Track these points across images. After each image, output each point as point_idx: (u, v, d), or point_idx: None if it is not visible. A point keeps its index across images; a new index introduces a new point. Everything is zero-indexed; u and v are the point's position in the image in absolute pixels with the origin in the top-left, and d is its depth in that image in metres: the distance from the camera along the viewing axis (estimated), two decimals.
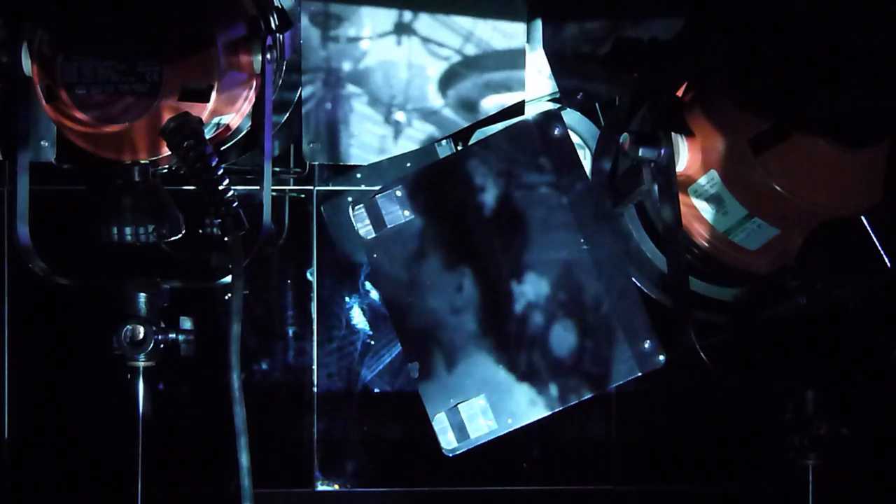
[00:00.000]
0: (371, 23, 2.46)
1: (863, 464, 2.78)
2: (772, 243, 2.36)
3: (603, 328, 2.40)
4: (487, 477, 2.94)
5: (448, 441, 2.39)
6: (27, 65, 2.23)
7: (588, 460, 2.99)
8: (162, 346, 2.33)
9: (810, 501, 2.38)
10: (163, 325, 2.34)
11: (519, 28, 2.49)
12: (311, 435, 2.95)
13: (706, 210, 2.38)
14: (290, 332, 2.96)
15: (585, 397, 2.41)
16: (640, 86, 2.43)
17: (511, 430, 2.41)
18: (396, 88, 2.48)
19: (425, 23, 2.47)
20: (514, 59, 2.49)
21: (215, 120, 2.29)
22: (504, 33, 2.48)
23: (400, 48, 2.47)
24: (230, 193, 2.21)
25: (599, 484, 2.99)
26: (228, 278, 2.29)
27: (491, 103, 2.49)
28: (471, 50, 2.48)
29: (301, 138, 2.50)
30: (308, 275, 2.95)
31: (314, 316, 2.95)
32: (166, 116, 2.18)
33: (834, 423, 2.35)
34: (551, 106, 2.54)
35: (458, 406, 2.39)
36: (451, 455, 2.40)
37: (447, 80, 2.48)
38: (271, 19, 2.41)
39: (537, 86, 2.54)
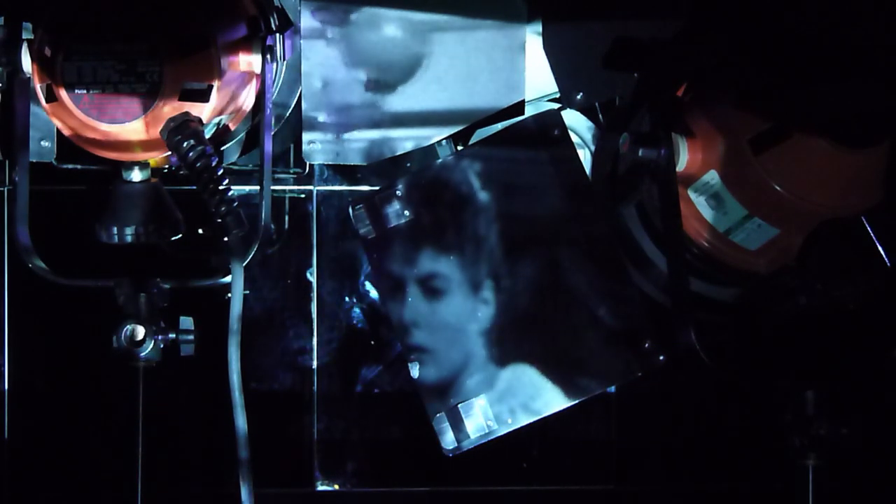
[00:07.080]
0: (371, 23, 2.46)
1: (863, 464, 2.78)
2: (772, 243, 2.36)
3: (603, 328, 2.40)
4: (487, 477, 2.94)
5: (448, 441, 2.39)
6: (27, 65, 2.23)
7: (588, 460, 2.99)
8: (162, 346, 2.33)
9: (810, 501, 2.38)
10: (163, 325, 2.34)
11: (519, 28, 2.48)
12: (311, 435, 2.95)
13: (706, 210, 2.38)
14: (290, 332, 2.95)
15: (585, 397, 2.41)
16: (640, 86, 2.44)
17: (511, 430, 2.41)
18: (396, 88, 2.48)
19: (425, 22, 2.46)
20: (513, 59, 2.48)
21: (215, 120, 2.29)
22: (504, 33, 2.48)
23: (400, 48, 2.47)
24: (230, 193, 2.21)
25: (599, 484, 2.99)
26: (228, 278, 2.30)
27: (491, 103, 2.49)
28: (471, 49, 2.48)
29: (301, 138, 2.49)
30: (308, 275, 2.94)
31: (314, 316, 2.94)
32: (166, 116, 2.18)
33: (834, 423, 2.35)
34: (551, 106, 2.54)
35: (458, 406, 2.39)
36: (451, 455, 2.40)
37: (447, 80, 2.48)
38: (271, 19, 2.41)
39: (537, 86, 2.54)
